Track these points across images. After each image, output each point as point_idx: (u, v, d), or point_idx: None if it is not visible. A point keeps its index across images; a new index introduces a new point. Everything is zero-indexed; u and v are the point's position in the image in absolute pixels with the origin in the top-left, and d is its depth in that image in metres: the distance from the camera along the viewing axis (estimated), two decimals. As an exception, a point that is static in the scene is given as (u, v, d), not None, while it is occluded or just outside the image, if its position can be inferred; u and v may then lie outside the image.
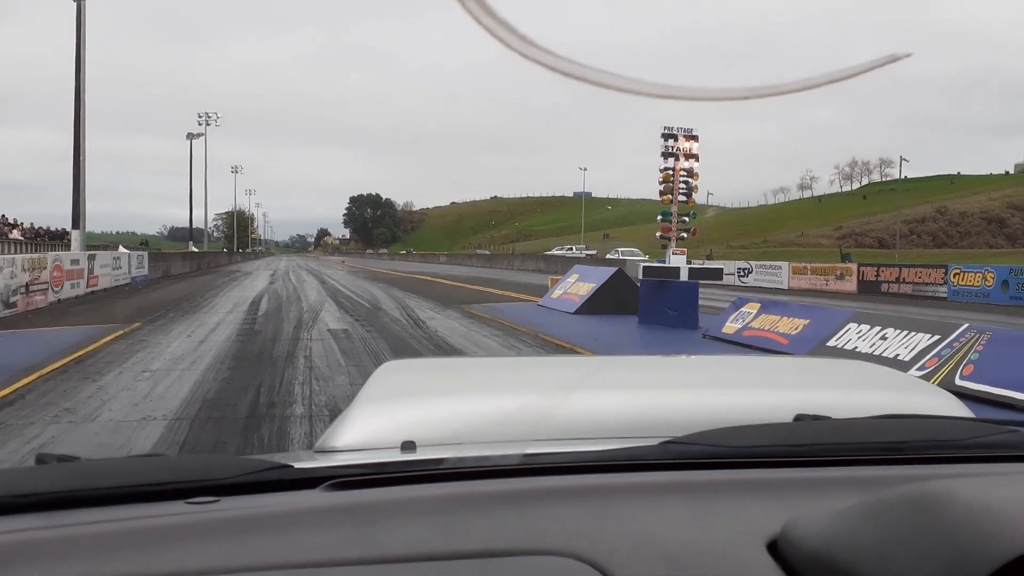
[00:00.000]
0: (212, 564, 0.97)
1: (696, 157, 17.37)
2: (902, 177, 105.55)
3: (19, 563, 0.97)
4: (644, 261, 17.05)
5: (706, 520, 1.09)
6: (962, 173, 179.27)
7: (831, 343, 11.87)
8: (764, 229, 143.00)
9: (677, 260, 17.39)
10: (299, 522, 1.08)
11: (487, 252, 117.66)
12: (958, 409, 1.85)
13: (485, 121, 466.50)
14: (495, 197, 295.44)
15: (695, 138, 17.40)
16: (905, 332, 10.89)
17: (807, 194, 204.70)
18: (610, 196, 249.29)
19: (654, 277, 17.50)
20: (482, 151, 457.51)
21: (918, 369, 10.12)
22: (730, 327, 14.77)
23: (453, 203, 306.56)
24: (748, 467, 1.32)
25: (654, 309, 17.46)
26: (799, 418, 1.57)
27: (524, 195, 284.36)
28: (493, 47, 0.70)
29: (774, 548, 0.99)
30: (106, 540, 1.04)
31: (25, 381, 10.05)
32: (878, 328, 11.36)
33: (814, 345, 11.97)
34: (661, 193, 17.57)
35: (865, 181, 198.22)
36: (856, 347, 11.38)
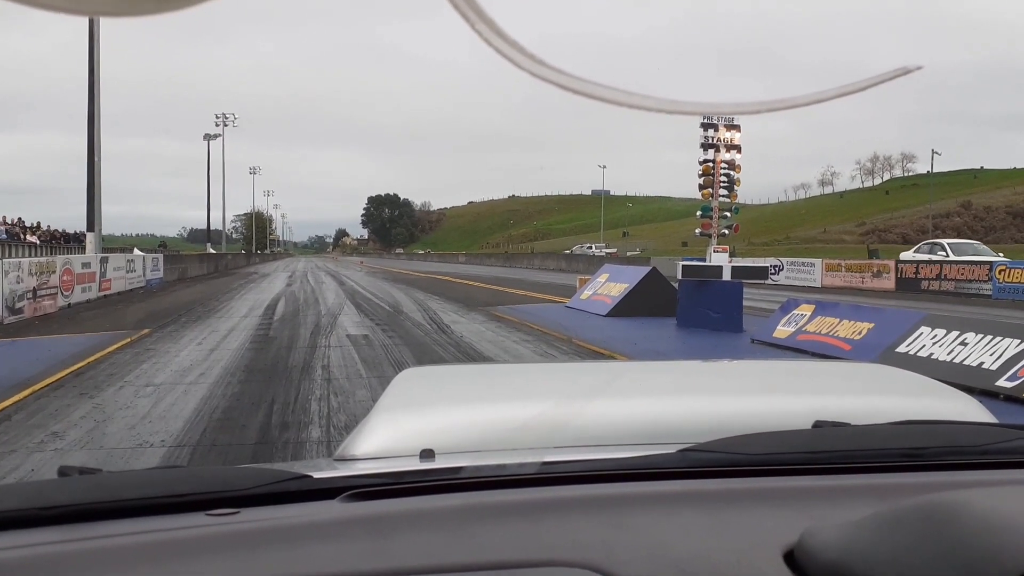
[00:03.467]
0: None
1: (738, 148, 16.31)
2: (932, 171, 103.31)
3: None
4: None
5: (722, 530, 1.08)
6: (985, 167, 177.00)
7: (901, 349, 10.74)
8: (786, 226, 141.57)
9: (719, 258, 16.28)
10: (318, 534, 1.08)
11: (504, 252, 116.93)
12: (980, 414, 1.82)
13: (501, 120, 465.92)
14: (513, 196, 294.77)
15: (737, 128, 16.33)
16: (989, 337, 9.74)
17: (828, 190, 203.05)
18: (628, 194, 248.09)
19: (694, 277, 16.35)
20: (499, 150, 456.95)
21: (1008, 379, 9.01)
22: (782, 331, 13.63)
23: (471, 202, 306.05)
24: (766, 475, 1.31)
25: (694, 311, 16.35)
26: (818, 424, 1.56)
27: (542, 194, 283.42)
28: (486, 47, 0.69)
29: (791, 558, 0.97)
30: (127, 553, 1.04)
31: (15, 399, 9.08)
32: (956, 333, 10.21)
33: (881, 351, 10.82)
34: (701, 187, 16.49)
35: (887, 176, 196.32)
36: (932, 354, 10.26)
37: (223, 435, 7.59)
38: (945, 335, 10.36)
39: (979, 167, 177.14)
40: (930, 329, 10.70)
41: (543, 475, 1.32)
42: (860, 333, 11.88)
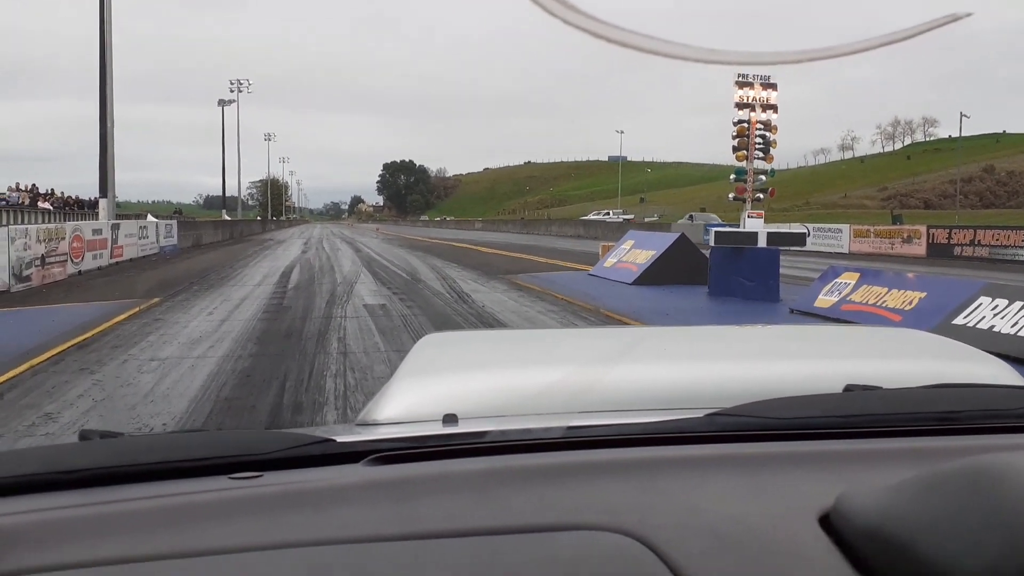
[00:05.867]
0: (255, 540, 0.96)
1: (775, 108, 15.41)
2: (960, 135, 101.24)
3: (64, 540, 0.96)
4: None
5: (756, 494, 1.06)
6: (1007, 131, 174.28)
7: (958, 321, 9.98)
8: (806, 191, 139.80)
9: (753, 224, 15.47)
10: (341, 497, 1.07)
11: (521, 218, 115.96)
12: (1013, 377, 1.78)
13: (517, 86, 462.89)
14: (529, 162, 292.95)
15: (773, 87, 15.44)
16: (1058, 309, 8.99)
17: (848, 155, 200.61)
18: (646, 159, 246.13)
19: (728, 244, 15.54)
20: (515, 116, 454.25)
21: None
22: (824, 300, 12.85)
23: (487, 169, 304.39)
24: (797, 439, 1.28)
25: (727, 279, 15.58)
26: (849, 388, 1.53)
27: (558, 160, 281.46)
28: (525, 9, 0.66)
29: (826, 522, 0.95)
30: (149, 516, 1.02)
31: (11, 374, 8.49)
32: (1020, 303, 9.44)
33: (935, 323, 10.05)
34: (735, 148, 15.59)
35: (908, 141, 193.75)
36: (993, 326, 9.50)
37: (230, 418, 6.95)
38: (1008, 306, 9.59)
39: (1001, 131, 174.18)
40: (990, 299, 9.92)
41: (569, 439, 1.29)
42: (911, 303, 11.11)
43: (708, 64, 0.77)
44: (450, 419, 1.42)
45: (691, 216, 52.83)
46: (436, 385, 1.73)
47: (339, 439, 1.31)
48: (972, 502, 0.80)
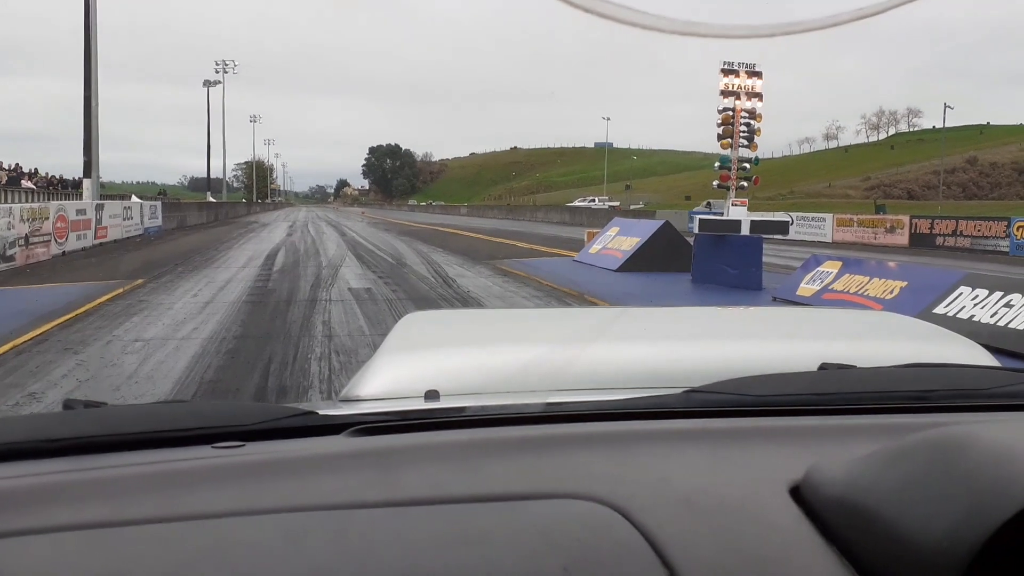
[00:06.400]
0: (238, 506, 0.97)
1: (760, 96, 15.44)
2: (944, 125, 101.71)
3: (46, 505, 0.97)
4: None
5: (728, 466, 1.08)
6: (991, 123, 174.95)
7: (939, 310, 10.09)
8: (790, 180, 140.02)
9: (737, 212, 15.54)
10: (323, 466, 1.08)
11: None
12: (985, 358, 1.81)
13: (503, 70, 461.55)
14: (515, 148, 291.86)
15: (758, 75, 15.47)
16: (1036, 299, 9.11)
17: (833, 144, 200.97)
18: (632, 147, 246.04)
19: (711, 231, 15.61)
20: (501, 101, 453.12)
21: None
22: (806, 288, 12.96)
23: (472, 154, 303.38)
24: (772, 415, 1.30)
25: (710, 267, 15.65)
26: (824, 367, 1.55)
27: (544, 146, 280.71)
28: None
29: (797, 493, 0.97)
30: (132, 483, 1.03)
31: (-7, 354, 8.48)
32: (1000, 294, 9.55)
33: (918, 312, 10.14)
34: (719, 136, 15.63)
35: (892, 131, 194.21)
36: (973, 316, 9.61)
37: (215, 400, 6.97)
38: (987, 296, 9.70)
39: (985, 123, 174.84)
40: (971, 289, 10.03)
41: (547, 414, 1.31)
42: (892, 292, 11.22)
43: (684, 36, 0.79)
44: (432, 395, 1.44)
45: (709, 203, 46.62)
46: (418, 362, 1.74)
47: (322, 412, 1.33)
48: (935, 471, 0.83)
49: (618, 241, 20.47)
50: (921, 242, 31.55)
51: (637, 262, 18.61)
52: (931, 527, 0.77)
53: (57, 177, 48.55)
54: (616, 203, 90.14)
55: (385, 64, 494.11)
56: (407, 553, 0.88)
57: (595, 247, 21.54)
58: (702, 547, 0.89)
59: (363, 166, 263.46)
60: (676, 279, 16.75)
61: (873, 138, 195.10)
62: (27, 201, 32.80)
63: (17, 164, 45.04)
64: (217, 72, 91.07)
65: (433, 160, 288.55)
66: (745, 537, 0.91)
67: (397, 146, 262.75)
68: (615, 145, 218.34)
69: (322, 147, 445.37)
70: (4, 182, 38.45)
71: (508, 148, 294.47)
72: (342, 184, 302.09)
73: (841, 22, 0.80)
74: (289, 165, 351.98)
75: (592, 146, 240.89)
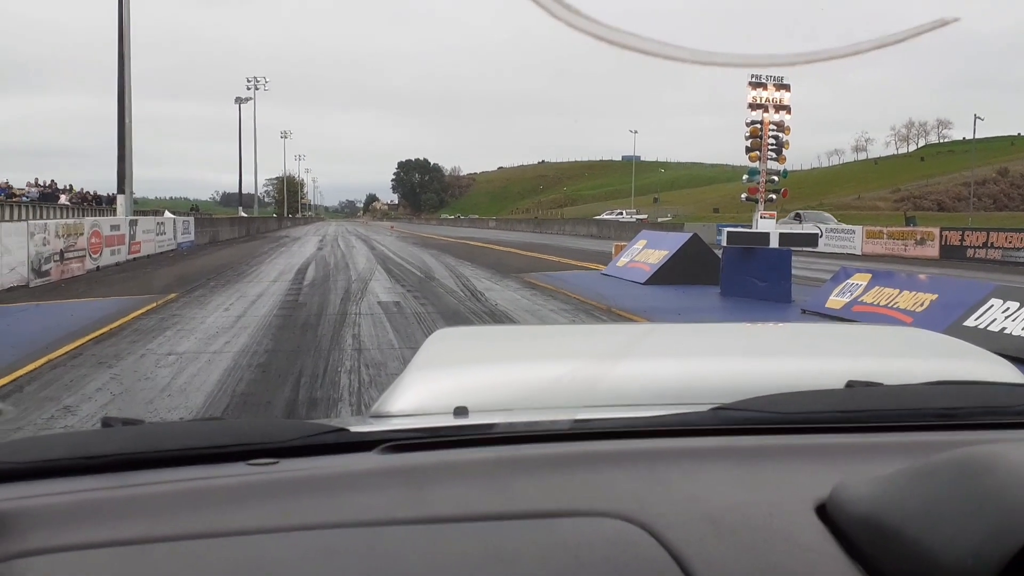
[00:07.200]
0: (273, 523, 0.98)
1: (788, 109, 15.43)
2: (974, 136, 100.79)
3: (88, 521, 0.99)
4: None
5: (754, 484, 1.09)
6: (1022, 134, 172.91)
7: (969, 323, 10.01)
8: (819, 192, 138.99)
9: (766, 224, 15.50)
10: (355, 484, 1.10)
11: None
12: (1013, 376, 1.79)
13: (531, 84, 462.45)
14: (542, 162, 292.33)
15: (787, 87, 15.46)
16: (1069, 311, 9.02)
17: (862, 156, 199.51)
18: (659, 159, 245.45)
19: (740, 244, 15.60)
20: (529, 115, 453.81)
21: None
22: (835, 301, 12.90)
23: (500, 168, 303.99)
24: (798, 432, 1.30)
25: (739, 280, 15.62)
26: (851, 384, 1.54)
27: (572, 159, 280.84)
28: (538, 9, 0.70)
29: (823, 512, 0.98)
30: (169, 499, 1.05)
31: (30, 367, 8.64)
32: (1032, 306, 9.48)
33: (948, 325, 10.09)
34: (748, 149, 15.63)
35: (922, 143, 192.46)
36: (1004, 328, 9.53)
37: (247, 413, 7.07)
38: (1019, 308, 9.62)
39: (1016, 133, 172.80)
40: (1002, 301, 9.95)
41: (575, 431, 1.31)
42: (922, 305, 11.14)
43: (706, 66, 0.80)
44: (461, 411, 1.45)
45: (798, 215, 42.52)
46: (447, 378, 1.76)
47: (353, 428, 1.34)
48: (960, 490, 0.83)
49: (646, 254, 20.46)
50: (951, 254, 31.25)
51: (665, 275, 18.59)
52: (956, 546, 0.78)
53: (91, 193, 49.24)
54: (644, 216, 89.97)
55: (414, 79, 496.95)
56: (438, 570, 0.90)
57: (623, 260, 21.54)
58: (729, 566, 0.90)
59: (392, 180, 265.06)
60: (704, 292, 16.72)
61: (903, 150, 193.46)
62: (62, 217, 33.32)
63: (52, 180, 45.80)
64: (248, 88, 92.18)
65: (462, 174, 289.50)
66: (772, 555, 0.92)
67: (426, 160, 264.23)
68: (642, 158, 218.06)
69: (351, 162, 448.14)
70: (38, 198, 39.04)
71: (536, 162, 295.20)
72: (371, 198, 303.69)
73: (863, 51, 0.81)
74: (319, 180, 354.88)
75: (619, 159, 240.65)
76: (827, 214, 47.25)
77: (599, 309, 14.29)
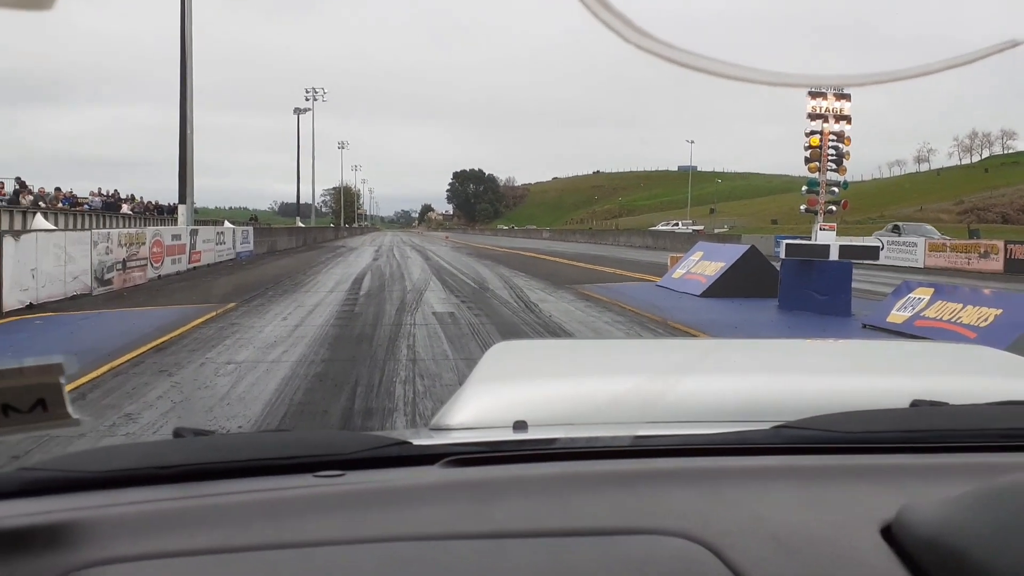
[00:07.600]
0: (339, 535, 1.00)
1: (848, 119, 15.23)
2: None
3: (161, 530, 1.01)
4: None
5: (818, 504, 1.08)
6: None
7: (1037, 338, 9.75)
8: (880, 204, 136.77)
9: (825, 236, 15.28)
10: (419, 497, 1.11)
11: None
12: None
13: (587, 95, 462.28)
14: (597, 172, 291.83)
15: (847, 97, 15.25)
16: None
17: (924, 167, 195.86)
18: (716, 170, 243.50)
19: (799, 256, 15.39)
20: (584, 126, 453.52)
21: None
22: (897, 316, 12.65)
23: (555, 178, 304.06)
24: (862, 452, 1.29)
25: (798, 293, 15.41)
26: (916, 404, 1.54)
27: (627, 170, 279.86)
28: (596, 21, 0.70)
29: (888, 533, 0.97)
30: (240, 510, 1.07)
31: (92, 375, 8.79)
32: (1102, 322, 9.20)
33: (1013, 340, 9.83)
34: (807, 160, 15.43)
35: (985, 154, 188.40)
36: (1074, 344, 9.26)
37: (303, 421, 7.12)
38: (1090, 324, 9.35)
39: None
40: (1071, 317, 9.68)
41: (636, 448, 1.31)
42: (986, 320, 10.88)
43: (770, 86, 0.80)
44: (520, 426, 1.46)
45: (896, 226, 41.84)
46: (507, 392, 1.77)
47: (415, 442, 1.35)
48: None
49: (702, 266, 20.28)
50: (1017, 268, 30.50)
51: (722, 287, 18.40)
52: (1022, 573, 0.77)
53: (153, 203, 50.20)
54: (700, 227, 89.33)
55: (470, 90, 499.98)
56: None
57: (679, 272, 21.37)
58: None
59: (447, 191, 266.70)
60: (762, 305, 16.52)
61: (965, 161, 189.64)
62: (124, 226, 34.03)
63: (115, 190, 46.76)
64: (307, 99, 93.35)
65: (516, 184, 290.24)
66: None
67: (481, 171, 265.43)
68: (699, 168, 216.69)
69: (407, 172, 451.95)
70: (100, 207, 39.88)
71: (591, 172, 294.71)
72: (426, 209, 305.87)
73: (933, 71, 0.80)
74: (375, 190, 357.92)
75: (675, 169, 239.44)
76: (928, 226, 45.97)
77: (654, 321, 14.18)
